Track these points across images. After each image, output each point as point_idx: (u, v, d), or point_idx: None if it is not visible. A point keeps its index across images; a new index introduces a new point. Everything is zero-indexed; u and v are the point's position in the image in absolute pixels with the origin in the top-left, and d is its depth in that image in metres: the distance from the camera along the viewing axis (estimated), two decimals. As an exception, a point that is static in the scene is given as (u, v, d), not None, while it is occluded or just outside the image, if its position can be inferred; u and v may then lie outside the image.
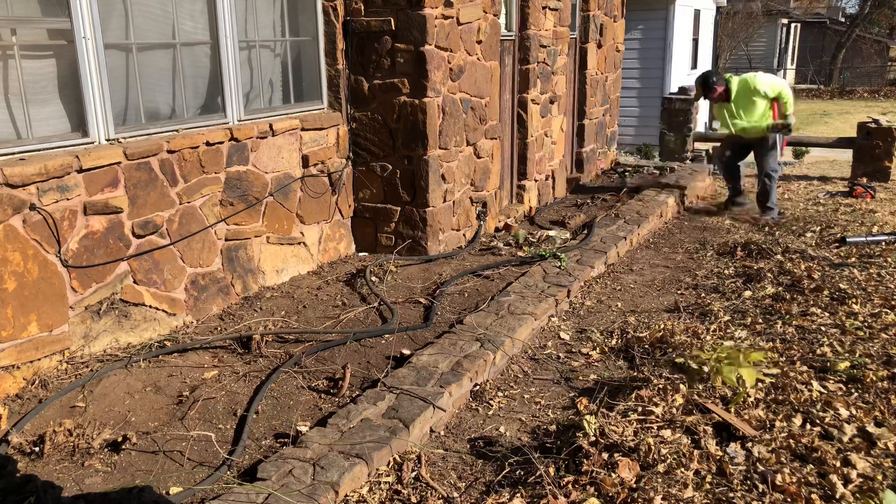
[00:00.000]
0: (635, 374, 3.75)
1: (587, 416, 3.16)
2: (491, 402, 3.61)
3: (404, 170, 5.51)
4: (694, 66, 16.02)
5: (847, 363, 3.64)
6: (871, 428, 2.99)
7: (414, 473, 2.93)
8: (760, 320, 4.40)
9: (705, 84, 7.16)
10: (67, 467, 2.93)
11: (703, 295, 5.05)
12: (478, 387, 3.71)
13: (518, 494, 2.73)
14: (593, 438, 2.99)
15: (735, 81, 7.15)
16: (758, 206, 7.50)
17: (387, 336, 4.18)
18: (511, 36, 6.75)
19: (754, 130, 7.16)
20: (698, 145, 11.24)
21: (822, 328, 4.21)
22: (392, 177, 5.56)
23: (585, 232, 6.39)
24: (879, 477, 2.65)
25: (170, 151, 4.17)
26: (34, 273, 3.55)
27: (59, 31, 3.74)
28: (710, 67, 17.94)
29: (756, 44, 28.52)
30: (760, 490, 2.61)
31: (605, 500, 2.62)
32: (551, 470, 2.85)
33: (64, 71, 3.81)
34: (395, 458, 2.99)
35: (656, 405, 3.22)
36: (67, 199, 3.66)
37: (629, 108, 13.17)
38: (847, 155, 10.95)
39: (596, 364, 4.06)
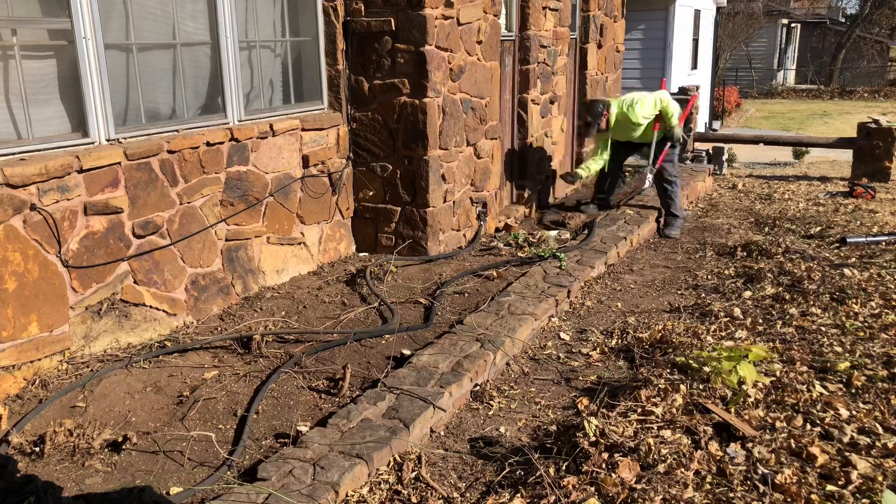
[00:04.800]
0: (635, 374, 3.75)
1: (587, 417, 3.16)
2: (491, 402, 3.62)
3: (404, 170, 5.51)
4: (694, 66, 16.01)
5: (847, 363, 3.64)
6: (870, 426, 2.99)
7: (414, 473, 2.93)
8: (761, 320, 4.40)
9: (594, 113, 6.42)
10: (68, 467, 2.93)
11: (703, 295, 5.05)
12: (478, 387, 3.71)
13: (518, 495, 2.73)
14: (593, 439, 2.98)
15: (613, 113, 6.49)
16: (662, 219, 6.95)
17: (387, 336, 4.18)
18: (511, 36, 6.75)
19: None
20: (698, 145, 11.24)
21: (823, 328, 4.20)
22: (392, 177, 5.56)
23: (586, 232, 6.39)
24: (880, 477, 2.65)
25: (170, 152, 4.17)
26: (34, 273, 3.55)
27: (59, 31, 3.74)
28: (711, 68, 17.89)
29: (756, 44, 28.55)
30: (761, 490, 2.61)
31: (606, 500, 2.62)
32: (551, 470, 2.85)
33: (64, 71, 3.82)
34: (395, 459, 2.99)
35: (656, 405, 3.22)
36: (68, 200, 3.66)
37: (629, 108, 13.15)
38: (847, 155, 10.96)
39: (596, 364, 4.06)
